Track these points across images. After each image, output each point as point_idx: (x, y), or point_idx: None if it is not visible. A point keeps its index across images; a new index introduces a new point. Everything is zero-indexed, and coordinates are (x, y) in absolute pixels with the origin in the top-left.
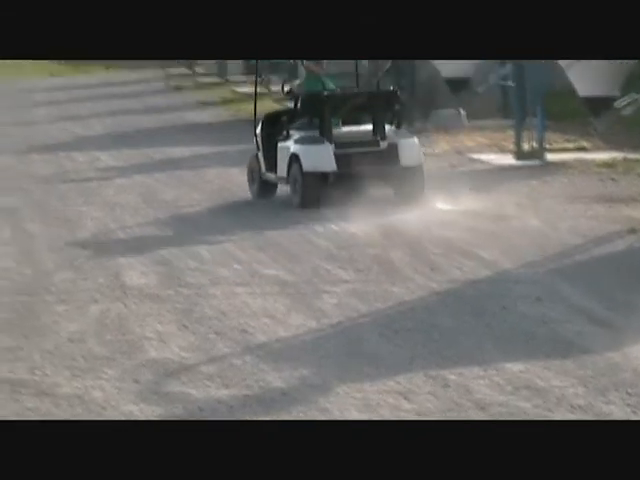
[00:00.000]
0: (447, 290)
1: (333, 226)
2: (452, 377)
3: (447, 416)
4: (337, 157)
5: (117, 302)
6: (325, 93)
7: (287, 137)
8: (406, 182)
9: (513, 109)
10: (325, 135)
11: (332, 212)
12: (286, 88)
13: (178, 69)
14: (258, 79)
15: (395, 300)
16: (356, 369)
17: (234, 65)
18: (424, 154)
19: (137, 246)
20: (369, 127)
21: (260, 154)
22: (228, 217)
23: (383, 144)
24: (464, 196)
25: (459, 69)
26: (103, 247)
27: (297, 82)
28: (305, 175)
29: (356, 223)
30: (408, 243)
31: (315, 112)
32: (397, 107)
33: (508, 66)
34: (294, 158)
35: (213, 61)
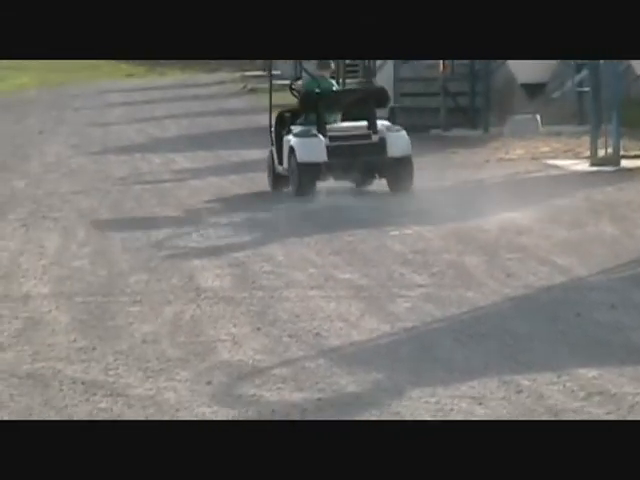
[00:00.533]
0: (522, 296)
1: (408, 231)
2: (526, 383)
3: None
4: (329, 149)
5: (191, 304)
6: (318, 91)
7: (289, 132)
8: (394, 172)
9: (589, 115)
10: (320, 129)
11: (407, 217)
12: (295, 86)
13: (253, 72)
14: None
15: (469, 305)
16: (430, 374)
17: (309, 65)
18: (501, 159)
19: (211, 248)
20: (364, 123)
21: (273, 149)
22: (303, 220)
23: (374, 137)
24: (539, 202)
25: (535, 75)
26: (177, 249)
27: (299, 82)
28: (299, 165)
29: (431, 228)
30: (483, 249)
31: (311, 109)
32: (388, 103)
33: (584, 72)
34: (291, 150)
35: (289, 62)
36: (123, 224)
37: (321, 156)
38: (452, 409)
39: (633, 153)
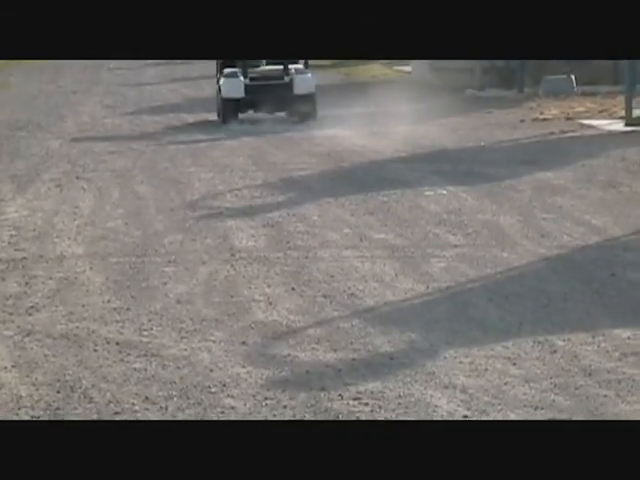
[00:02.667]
0: (556, 256)
1: (442, 191)
2: (560, 343)
3: (554, 383)
4: (247, 87)
5: (225, 264)
6: None
7: (222, 74)
8: (298, 106)
9: (623, 75)
10: (243, 72)
11: (441, 178)
12: None
13: None
14: None
15: (504, 265)
16: (464, 334)
17: None
18: (535, 119)
19: (246, 208)
20: (281, 66)
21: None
22: (339, 181)
23: (287, 78)
24: (574, 162)
25: None
26: (212, 209)
27: None
28: (223, 100)
29: (465, 188)
30: (517, 209)
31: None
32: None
33: None
34: (219, 88)
35: None
36: (157, 184)
37: (239, 93)
38: (487, 369)
39: None
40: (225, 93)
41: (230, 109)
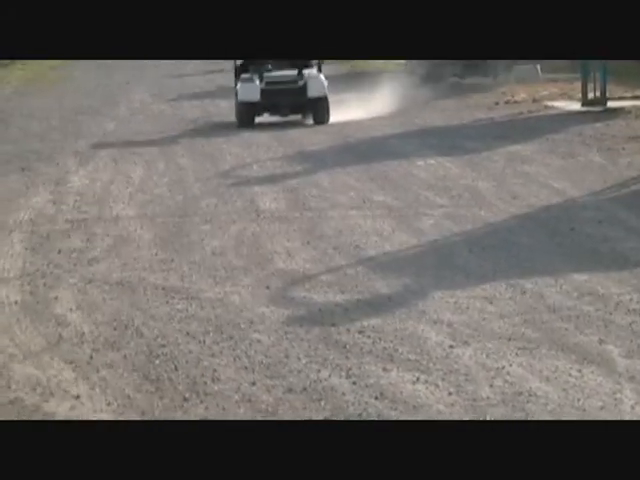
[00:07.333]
0: (525, 214)
1: (431, 161)
2: (529, 285)
3: (524, 318)
4: (263, 91)
5: (252, 223)
6: None
7: (239, 79)
8: (312, 109)
9: (581, 64)
10: (259, 76)
11: (430, 150)
12: None
13: None
14: None
15: (482, 222)
16: (449, 278)
17: None
18: (507, 102)
19: (269, 177)
20: (296, 71)
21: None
22: (346, 154)
23: (301, 82)
24: (539, 137)
25: None
26: (241, 177)
27: None
28: (239, 104)
29: (450, 158)
30: (493, 175)
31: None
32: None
33: None
34: (235, 93)
35: None
36: (195, 158)
37: (255, 96)
38: (468, 307)
39: (617, 96)
40: (241, 97)
41: (246, 112)
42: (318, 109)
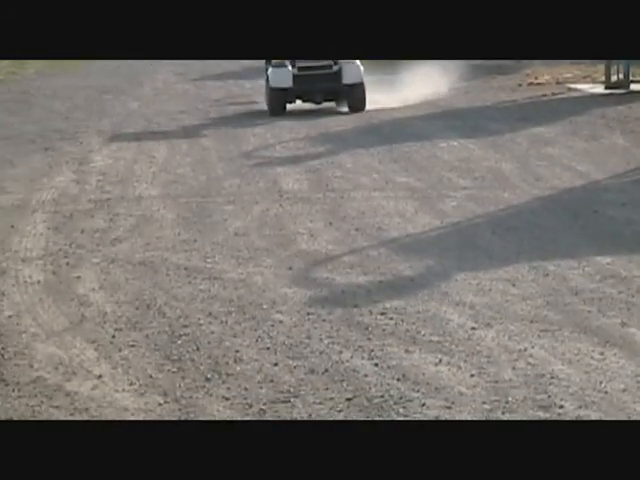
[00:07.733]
0: (548, 196)
1: (454, 143)
2: (551, 268)
3: (547, 301)
4: (295, 77)
5: (275, 203)
6: None
7: (270, 64)
8: (348, 95)
9: None
10: (291, 62)
11: (453, 132)
12: None
13: None
14: None
15: (505, 204)
16: (472, 260)
17: None
18: (531, 83)
19: (291, 157)
20: None
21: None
22: (369, 135)
23: (335, 68)
24: (562, 119)
25: None
26: (264, 158)
27: None
28: (271, 90)
29: (473, 140)
30: (516, 157)
31: None
32: None
33: None
34: (267, 78)
35: None
36: (218, 138)
37: (287, 82)
38: (490, 289)
39: None
40: (273, 83)
41: (278, 99)
42: (354, 96)
